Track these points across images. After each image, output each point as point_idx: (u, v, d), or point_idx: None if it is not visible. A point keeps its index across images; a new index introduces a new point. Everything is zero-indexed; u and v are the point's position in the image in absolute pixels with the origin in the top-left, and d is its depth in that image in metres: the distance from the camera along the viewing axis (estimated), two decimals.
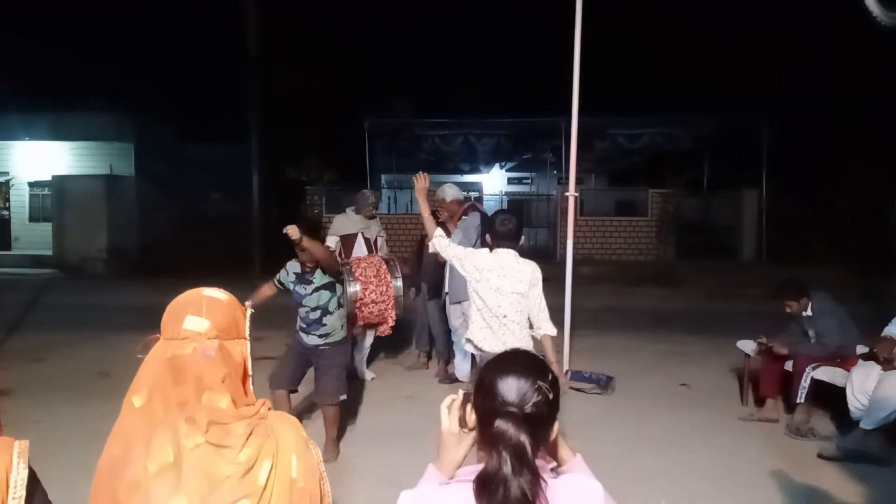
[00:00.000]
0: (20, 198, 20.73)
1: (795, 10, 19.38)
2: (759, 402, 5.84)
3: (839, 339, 5.32)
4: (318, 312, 4.73)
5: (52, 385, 6.52)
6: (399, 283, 6.41)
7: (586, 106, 6.77)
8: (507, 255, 4.00)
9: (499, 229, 4.01)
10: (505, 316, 3.98)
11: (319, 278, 4.74)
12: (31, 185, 20.45)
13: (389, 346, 7.65)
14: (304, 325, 4.78)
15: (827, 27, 18.78)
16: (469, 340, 4.15)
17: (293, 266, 4.80)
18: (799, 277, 5.74)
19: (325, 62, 22.05)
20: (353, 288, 6.13)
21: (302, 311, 4.77)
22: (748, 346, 6.00)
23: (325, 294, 4.75)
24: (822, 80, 20.36)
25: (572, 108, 6.64)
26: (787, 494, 4.20)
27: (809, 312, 5.45)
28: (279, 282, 4.84)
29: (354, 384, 6.62)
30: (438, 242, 4.17)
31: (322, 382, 4.75)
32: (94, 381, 6.70)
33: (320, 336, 4.75)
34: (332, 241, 6.74)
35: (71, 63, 22.61)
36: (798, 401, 5.23)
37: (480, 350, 4.10)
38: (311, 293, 4.71)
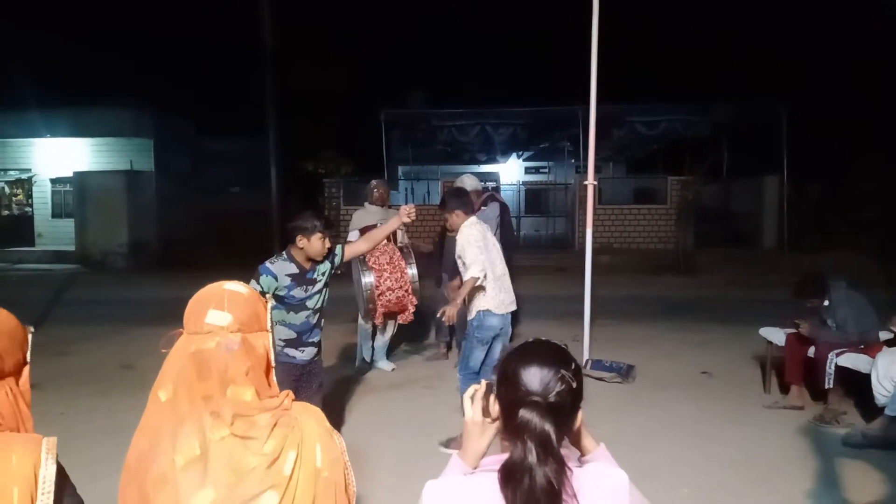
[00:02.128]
0: (42, 194, 21.00)
1: None
2: (784, 389, 5.80)
3: (857, 327, 5.27)
4: (317, 315, 4.03)
5: (77, 378, 6.60)
6: (413, 270, 6.37)
7: (604, 94, 6.71)
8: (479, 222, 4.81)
9: (468, 204, 4.81)
10: (504, 273, 4.78)
11: (322, 273, 3.97)
12: (53, 181, 20.70)
13: (409, 336, 7.67)
14: (295, 337, 3.92)
15: (847, 11, 18.52)
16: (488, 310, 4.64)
17: (284, 267, 3.85)
18: (817, 274, 5.66)
19: (342, 55, 22.12)
20: (368, 278, 6.12)
21: (297, 317, 3.92)
22: (771, 333, 5.95)
23: (325, 290, 4.03)
24: (842, 64, 20.10)
25: (590, 96, 6.59)
26: (811, 482, 4.17)
27: (826, 302, 5.42)
28: (264, 294, 3.67)
29: (375, 374, 6.66)
30: (473, 274, 4.51)
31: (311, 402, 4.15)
32: (118, 374, 6.78)
33: (315, 345, 4.04)
34: (353, 236, 6.77)
35: (90, 60, 22.86)
36: (827, 386, 5.19)
37: (498, 314, 4.64)
38: (315, 294, 3.95)
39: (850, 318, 5.27)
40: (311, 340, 3.98)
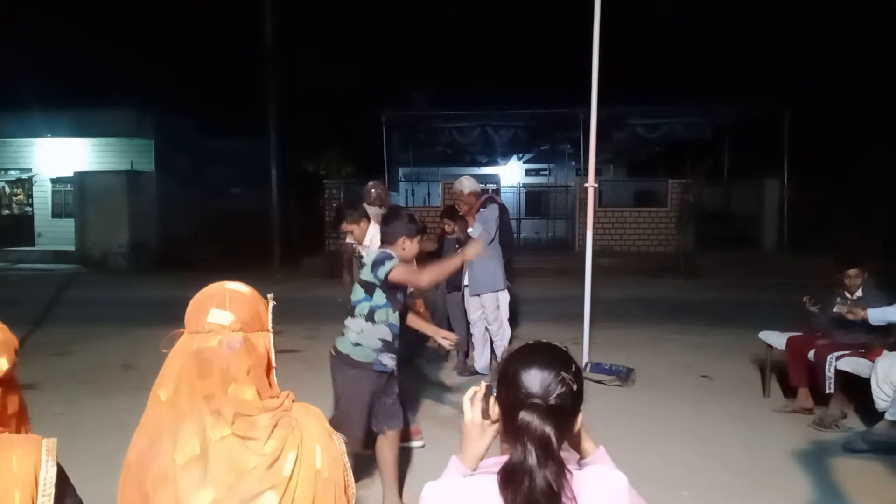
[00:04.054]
0: (43, 194, 20.99)
1: None
2: (786, 392, 5.80)
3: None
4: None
5: (77, 378, 6.60)
6: None
7: (604, 96, 6.70)
8: None
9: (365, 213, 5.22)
10: None
11: None
12: (54, 181, 20.69)
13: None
14: (391, 341, 3.68)
15: (848, 10, 18.50)
16: None
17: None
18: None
19: (343, 55, 22.12)
20: None
21: (396, 318, 3.71)
22: (771, 337, 5.95)
23: None
24: (844, 65, 20.08)
25: (591, 98, 6.58)
26: (811, 486, 4.16)
27: (860, 294, 5.30)
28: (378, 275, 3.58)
29: None
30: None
31: (396, 408, 3.83)
32: (119, 374, 6.78)
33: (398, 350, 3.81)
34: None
35: (92, 60, 22.87)
36: (827, 391, 5.17)
37: None
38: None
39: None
40: (397, 347, 3.75)
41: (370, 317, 3.59)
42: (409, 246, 3.70)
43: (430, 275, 3.58)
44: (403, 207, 4.17)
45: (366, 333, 3.60)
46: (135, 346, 7.78)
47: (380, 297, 3.61)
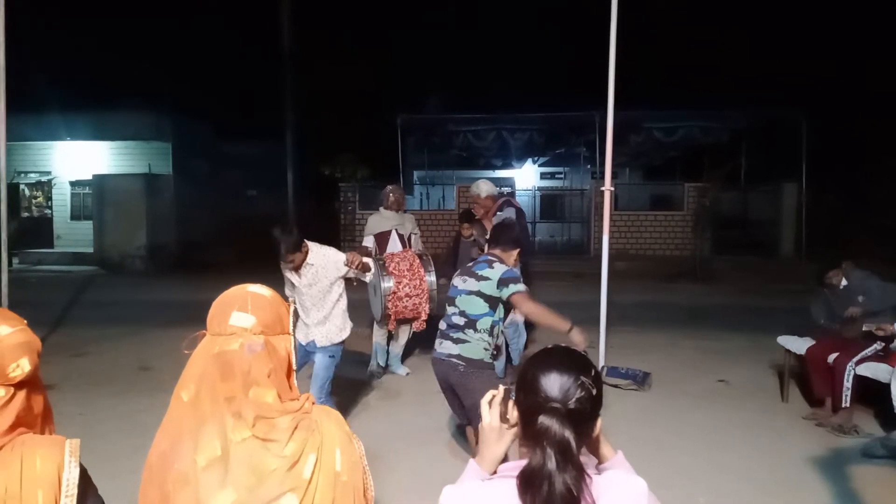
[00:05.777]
0: (62, 196, 21.21)
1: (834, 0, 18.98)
2: (807, 398, 5.75)
3: (884, 298, 5.33)
4: None
5: (95, 379, 6.66)
6: (432, 277, 6.40)
7: (621, 99, 6.68)
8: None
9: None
10: None
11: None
12: (73, 184, 20.90)
13: (424, 341, 7.66)
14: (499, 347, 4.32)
15: (865, 16, 18.33)
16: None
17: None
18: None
19: (359, 59, 22.18)
20: (387, 283, 6.15)
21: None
22: (790, 342, 5.90)
23: None
24: (862, 69, 19.89)
25: (608, 101, 6.56)
26: (829, 493, 4.12)
27: (844, 282, 5.53)
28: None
29: (390, 380, 6.67)
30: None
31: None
32: (136, 375, 6.83)
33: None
34: (368, 241, 6.76)
35: (110, 64, 23.06)
36: (844, 405, 5.12)
37: None
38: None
39: (875, 289, 5.35)
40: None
41: (491, 331, 3.82)
42: (513, 255, 4.05)
43: (535, 309, 3.74)
44: (509, 219, 4.38)
45: (487, 343, 3.83)
46: (151, 347, 7.84)
47: (500, 312, 3.87)
